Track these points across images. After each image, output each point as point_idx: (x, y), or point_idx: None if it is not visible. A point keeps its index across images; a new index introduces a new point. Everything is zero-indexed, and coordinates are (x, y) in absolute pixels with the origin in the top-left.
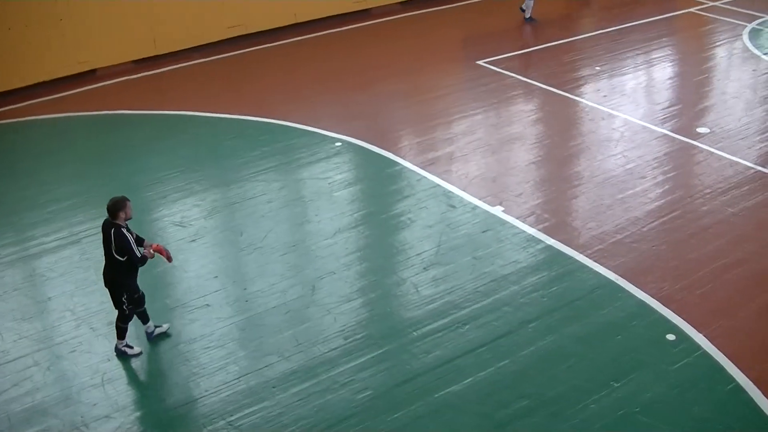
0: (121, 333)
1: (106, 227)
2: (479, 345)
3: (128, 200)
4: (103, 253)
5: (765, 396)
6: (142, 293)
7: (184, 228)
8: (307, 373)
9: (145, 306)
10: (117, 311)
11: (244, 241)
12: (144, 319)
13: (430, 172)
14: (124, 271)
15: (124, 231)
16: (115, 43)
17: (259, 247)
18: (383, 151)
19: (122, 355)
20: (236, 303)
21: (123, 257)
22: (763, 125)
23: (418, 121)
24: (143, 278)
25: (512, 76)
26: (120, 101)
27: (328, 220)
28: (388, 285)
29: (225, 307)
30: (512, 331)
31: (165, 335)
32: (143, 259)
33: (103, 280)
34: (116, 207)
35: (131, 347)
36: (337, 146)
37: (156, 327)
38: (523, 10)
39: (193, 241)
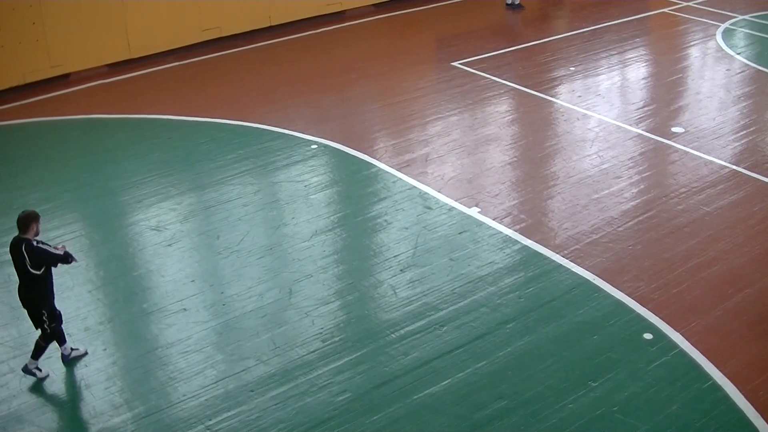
0: (37, 353)
1: (15, 245)
2: (456, 346)
3: (39, 215)
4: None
5: (741, 393)
6: (60, 312)
7: (160, 232)
8: (285, 377)
9: (62, 327)
10: (39, 330)
11: (221, 244)
12: (61, 340)
13: (406, 174)
14: (42, 287)
15: (36, 244)
16: (89, 46)
17: (236, 251)
18: (359, 153)
19: (30, 375)
20: (213, 307)
21: (40, 270)
22: (737, 124)
23: (394, 122)
24: (120, 283)
25: (487, 77)
26: (94, 105)
27: (304, 222)
28: (366, 287)
29: (202, 311)
30: (489, 332)
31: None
32: (66, 256)
33: (20, 300)
34: (28, 220)
35: (40, 370)
36: (313, 149)
37: (73, 350)
38: (509, 3)
39: (170, 245)
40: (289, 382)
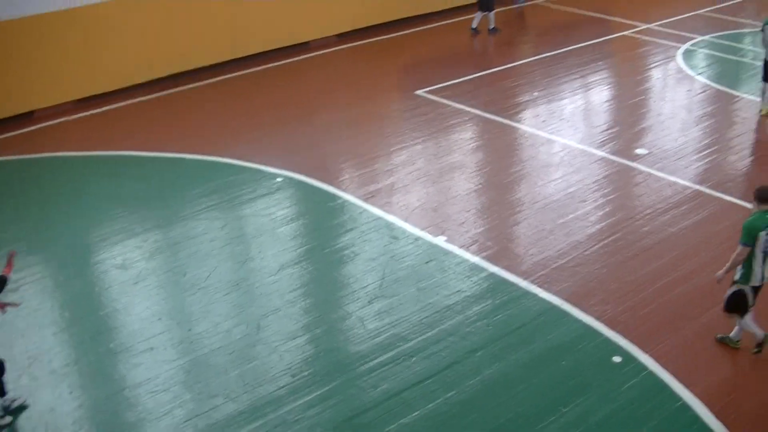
0: None
1: None
2: (426, 377)
3: None
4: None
5: (711, 412)
6: (2, 360)
7: (127, 270)
8: (255, 413)
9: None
10: None
11: (188, 281)
12: (1, 392)
13: (371, 204)
14: None
15: None
16: (54, 83)
17: (203, 287)
18: (324, 184)
19: None
20: (181, 345)
21: None
22: (700, 144)
23: (358, 153)
24: (85, 323)
25: (450, 105)
26: (59, 143)
27: (271, 256)
28: (334, 320)
29: (170, 350)
30: (458, 361)
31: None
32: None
33: None
34: None
35: (2, 416)
36: (278, 181)
37: (13, 401)
38: (474, 29)
39: (136, 283)
40: (258, 419)
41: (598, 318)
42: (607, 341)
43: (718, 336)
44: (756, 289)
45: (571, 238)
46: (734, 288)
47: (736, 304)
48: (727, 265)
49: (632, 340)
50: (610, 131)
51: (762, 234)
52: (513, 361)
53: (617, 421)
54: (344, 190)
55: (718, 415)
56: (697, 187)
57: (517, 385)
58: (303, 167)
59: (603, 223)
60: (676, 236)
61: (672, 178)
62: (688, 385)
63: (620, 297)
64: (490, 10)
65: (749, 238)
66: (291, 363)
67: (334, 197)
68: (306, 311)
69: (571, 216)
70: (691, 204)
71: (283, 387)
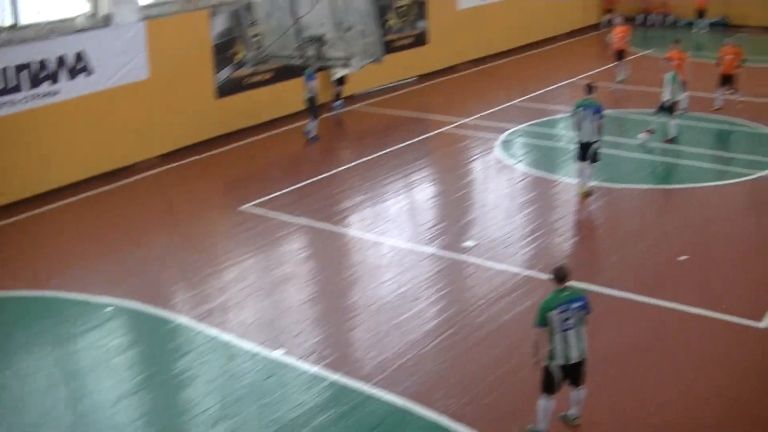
0: None
1: None
2: None
3: None
4: None
5: None
6: None
7: None
8: None
9: None
10: None
11: (20, 426)
12: None
13: (207, 324)
14: None
15: None
16: None
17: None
18: (157, 309)
19: None
20: None
21: None
22: (525, 231)
23: (189, 273)
24: None
25: (276, 217)
26: None
27: (108, 389)
28: None
29: None
30: None
31: None
32: None
33: None
34: None
35: None
36: (109, 310)
37: None
38: (307, 133)
39: None
40: None
41: (443, 413)
42: None
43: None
44: (564, 368)
45: (408, 337)
46: (545, 366)
47: (546, 381)
48: (531, 350)
49: (480, 429)
50: (436, 227)
51: (553, 313)
52: None
53: None
54: (177, 313)
55: None
56: (527, 272)
57: None
58: (133, 293)
59: (438, 319)
60: (511, 323)
61: (501, 267)
62: None
63: (463, 389)
64: (315, 118)
65: (540, 319)
66: None
67: (167, 321)
68: None
69: (406, 315)
70: (523, 290)
71: None
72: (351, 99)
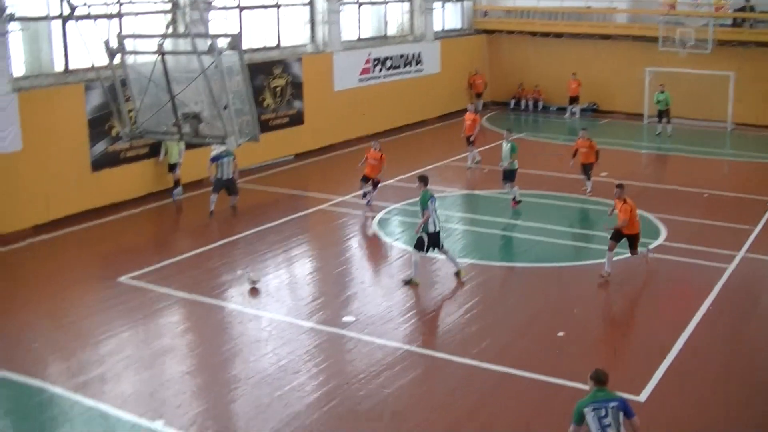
0: None
1: None
2: None
3: None
4: None
5: None
6: None
7: None
8: None
9: None
10: None
11: None
12: None
13: (83, 395)
14: None
15: None
16: None
17: None
18: (31, 379)
19: None
20: None
21: None
22: (404, 307)
23: (64, 345)
24: None
25: (155, 290)
26: None
27: None
28: None
29: None
30: None
31: None
32: None
33: None
34: None
35: None
36: None
37: None
38: (211, 212)
39: None
40: None
41: None
42: None
43: None
44: None
45: (289, 410)
46: None
47: None
48: None
49: None
50: (316, 302)
51: (587, 410)
52: None
53: None
54: (53, 383)
55: None
56: (407, 347)
57: None
58: (7, 364)
59: (319, 392)
60: (393, 396)
61: (381, 341)
62: None
63: None
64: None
65: (576, 416)
66: None
67: (42, 391)
68: None
69: (287, 388)
70: (404, 364)
71: None
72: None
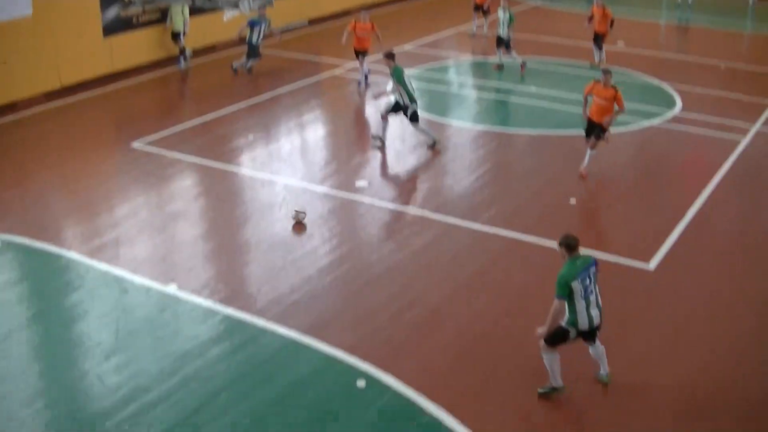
0: None
1: None
2: (174, 424)
3: None
4: None
5: (458, 421)
6: None
7: None
8: None
9: None
10: None
11: None
12: None
13: (98, 260)
14: None
15: None
16: None
17: None
18: (46, 244)
19: None
20: None
21: None
22: (416, 172)
23: (79, 210)
24: None
25: (169, 155)
26: None
27: None
28: (71, 380)
29: None
30: (204, 404)
31: None
32: None
33: None
34: None
35: None
36: None
37: None
38: (235, 69)
39: None
40: None
41: (337, 347)
42: (350, 368)
43: (540, 390)
44: (584, 334)
45: (302, 273)
46: (563, 325)
47: (556, 339)
48: (548, 320)
49: (374, 364)
50: (329, 167)
51: (575, 284)
52: (260, 398)
53: None
54: (68, 248)
55: (466, 423)
56: (418, 212)
57: (268, 422)
58: (21, 229)
59: (332, 256)
60: (404, 261)
61: (393, 206)
62: (433, 399)
63: (357, 324)
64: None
65: (563, 291)
66: (33, 430)
67: (57, 256)
68: (41, 375)
69: (300, 252)
70: (415, 228)
71: None
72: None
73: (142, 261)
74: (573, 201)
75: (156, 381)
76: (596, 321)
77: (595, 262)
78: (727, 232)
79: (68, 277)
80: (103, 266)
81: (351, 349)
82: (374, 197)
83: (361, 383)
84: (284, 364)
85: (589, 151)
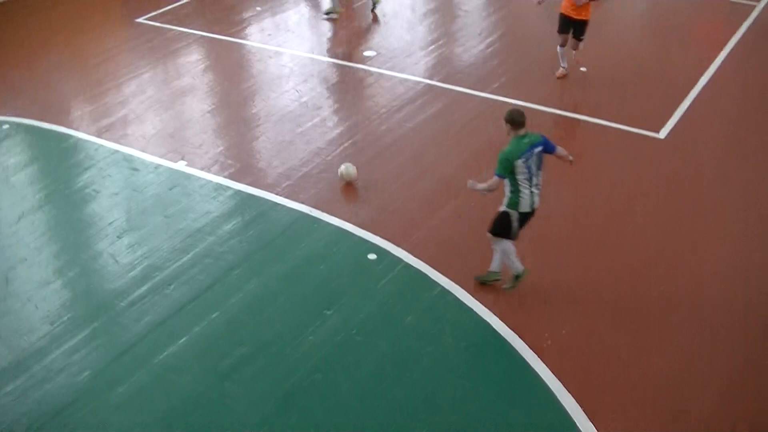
0: None
1: None
2: (187, 302)
3: None
4: None
5: (467, 293)
6: None
7: None
8: (18, 369)
9: None
10: None
11: None
12: None
13: (106, 139)
14: None
15: None
16: None
17: None
18: (54, 125)
19: None
20: None
21: None
22: (425, 40)
23: (86, 88)
24: None
25: (174, 29)
26: None
27: (8, 207)
28: (85, 260)
29: None
30: (217, 281)
31: None
32: None
33: None
34: None
35: None
36: (5, 129)
37: None
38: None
39: None
40: (23, 374)
41: (348, 220)
42: (361, 241)
43: (477, 277)
44: (524, 216)
45: (311, 146)
46: (502, 209)
47: (501, 227)
48: (482, 185)
49: (385, 237)
50: (336, 37)
51: (518, 162)
52: (272, 273)
53: (381, 315)
54: (76, 129)
55: (475, 296)
56: (428, 81)
57: (280, 297)
58: (29, 110)
59: (341, 128)
60: (413, 131)
61: (403, 76)
62: (443, 271)
63: (367, 196)
64: None
65: (504, 169)
66: (48, 311)
67: (66, 137)
68: (55, 256)
69: (308, 124)
70: (424, 98)
71: (43, 336)
72: None
73: (150, 138)
74: (583, 69)
75: (169, 259)
76: (537, 202)
77: (545, 142)
78: (739, 101)
79: (78, 157)
80: (112, 145)
81: (362, 223)
82: (383, 67)
83: (372, 257)
84: (295, 238)
85: (559, 49)
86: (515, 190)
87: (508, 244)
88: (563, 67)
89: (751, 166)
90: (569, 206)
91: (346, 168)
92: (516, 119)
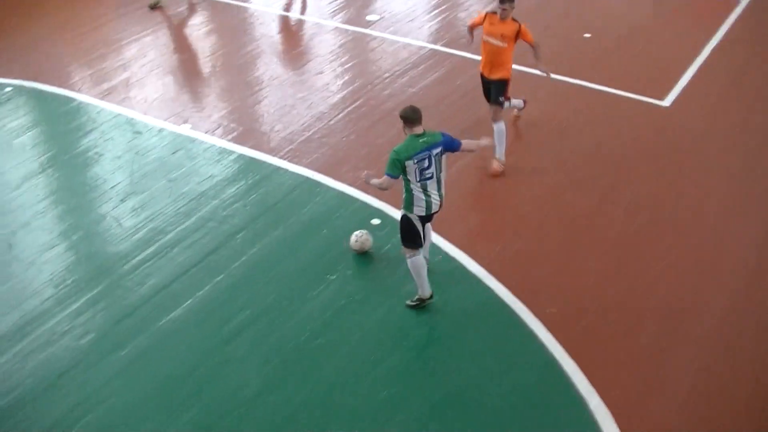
0: None
1: None
2: (191, 265)
3: None
4: None
5: (470, 257)
6: None
7: None
8: (22, 332)
9: None
10: None
11: None
12: None
13: (109, 102)
14: None
15: None
16: None
17: None
18: (56, 89)
19: None
20: None
21: None
22: (429, 5)
23: (86, 53)
24: None
25: None
26: None
27: (11, 170)
28: (88, 224)
29: None
30: (221, 245)
31: None
32: None
33: None
34: None
35: None
36: (7, 92)
37: None
38: None
39: None
40: (27, 337)
41: (351, 184)
42: (364, 206)
43: (407, 302)
44: (425, 219)
45: (314, 111)
46: (401, 212)
47: (407, 233)
48: (376, 181)
49: (388, 202)
50: (338, 1)
51: (410, 163)
52: (275, 237)
53: (382, 278)
54: (78, 92)
55: (478, 261)
56: (432, 46)
57: (283, 261)
58: (31, 73)
59: (344, 92)
60: (417, 96)
61: (406, 40)
62: (446, 236)
63: (370, 161)
64: None
65: (393, 169)
66: (52, 274)
67: (68, 100)
68: (59, 219)
69: (311, 89)
70: (428, 63)
71: (47, 299)
72: None
73: (153, 102)
74: (587, 35)
75: (173, 223)
76: (435, 207)
77: (446, 141)
78: (743, 68)
79: (81, 121)
80: (114, 108)
81: (364, 187)
82: (386, 31)
83: (375, 221)
84: (298, 202)
85: (494, 126)
86: (408, 190)
87: (418, 260)
88: (497, 160)
89: (754, 130)
90: (572, 172)
91: (361, 243)
92: (409, 116)
